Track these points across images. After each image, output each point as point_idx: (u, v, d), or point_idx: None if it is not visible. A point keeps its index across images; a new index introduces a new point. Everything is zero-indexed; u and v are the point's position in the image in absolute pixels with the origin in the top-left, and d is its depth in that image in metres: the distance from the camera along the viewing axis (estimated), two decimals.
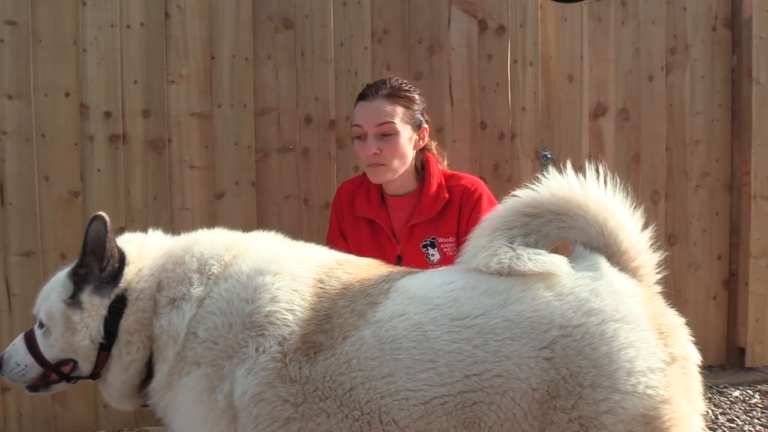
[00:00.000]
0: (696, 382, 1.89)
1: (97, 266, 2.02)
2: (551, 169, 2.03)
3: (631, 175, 4.00)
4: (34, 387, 2.12)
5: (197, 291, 1.98)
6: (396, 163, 2.80)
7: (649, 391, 1.76)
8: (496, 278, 1.91)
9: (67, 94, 3.38)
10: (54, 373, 2.09)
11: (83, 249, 2.04)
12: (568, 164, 2.02)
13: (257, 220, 3.54)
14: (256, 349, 1.87)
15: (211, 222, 3.19)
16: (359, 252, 2.58)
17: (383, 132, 2.78)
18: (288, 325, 1.89)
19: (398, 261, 2.83)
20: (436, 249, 2.84)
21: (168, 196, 3.50)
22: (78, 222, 3.37)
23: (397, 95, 2.82)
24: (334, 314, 1.91)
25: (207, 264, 2.02)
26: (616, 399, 1.75)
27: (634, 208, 2.01)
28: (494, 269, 1.91)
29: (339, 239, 2.94)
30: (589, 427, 1.76)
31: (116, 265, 2.04)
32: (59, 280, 2.09)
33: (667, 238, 4.11)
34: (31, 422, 3.44)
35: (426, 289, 1.93)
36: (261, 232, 2.24)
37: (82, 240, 2.04)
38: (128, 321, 2.01)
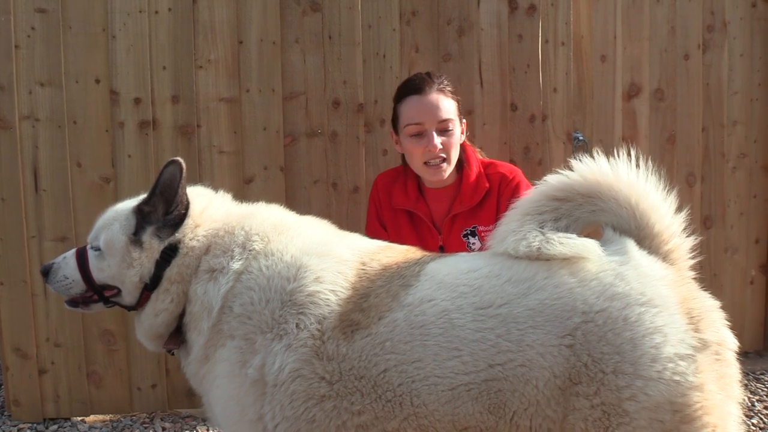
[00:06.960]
0: (732, 368, 1.85)
1: (163, 209, 2.10)
2: (582, 153, 1.99)
3: (666, 157, 3.92)
4: (74, 302, 2.20)
5: (235, 265, 2.02)
6: (453, 158, 2.77)
7: (677, 378, 1.73)
8: (521, 265, 1.90)
9: (97, 81, 3.41)
10: (96, 294, 2.16)
11: (153, 189, 2.10)
12: (600, 147, 1.97)
13: (286, 204, 3.44)
14: (297, 326, 1.91)
15: None
16: (400, 243, 2.55)
17: (444, 128, 2.72)
18: (329, 305, 1.92)
19: (441, 252, 2.79)
20: (476, 237, 2.81)
21: (197, 182, 3.49)
22: None
23: (448, 89, 2.77)
24: (372, 293, 1.93)
25: (251, 239, 2.07)
26: (638, 385, 1.73)
27: (668, 190, 1.97)
28: (522, 253, 1.90)
29: (379, 230, 2.91)
30: (611, 413, 1.75)
31: (183, 212, 2.10)
32: (123, 212, 2.15)
33: (703, 222, 4.01)
34: (67, 404, 3.51)
35: (453, 276, 1.93)
36: (313, 217, 2.29)
37: (155, 180, 2.10)
38: (173, 271, 2.07)
